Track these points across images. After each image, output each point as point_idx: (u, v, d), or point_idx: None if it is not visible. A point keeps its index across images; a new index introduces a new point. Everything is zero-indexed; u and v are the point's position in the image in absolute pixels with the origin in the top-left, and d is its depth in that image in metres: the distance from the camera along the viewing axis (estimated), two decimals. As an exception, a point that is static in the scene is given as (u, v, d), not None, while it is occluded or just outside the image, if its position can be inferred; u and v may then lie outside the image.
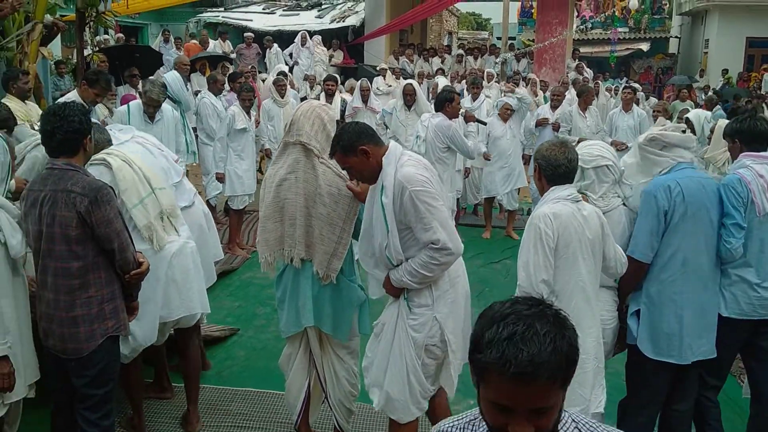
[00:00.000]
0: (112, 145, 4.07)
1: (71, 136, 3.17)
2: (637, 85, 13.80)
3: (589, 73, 17.74)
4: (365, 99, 10.35)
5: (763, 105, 13.03)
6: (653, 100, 12.59)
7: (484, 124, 8.78)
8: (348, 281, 3.73)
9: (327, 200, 3.58)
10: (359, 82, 10.73)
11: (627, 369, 3.86)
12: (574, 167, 3.40)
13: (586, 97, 9.54)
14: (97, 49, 10.26)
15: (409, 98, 9.01)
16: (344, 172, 3.61)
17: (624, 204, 3.81)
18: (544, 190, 3.44)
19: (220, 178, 7.99)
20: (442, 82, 11.43)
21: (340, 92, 10.94)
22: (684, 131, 3.91)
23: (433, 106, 7.76)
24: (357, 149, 3.35)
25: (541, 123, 9.58)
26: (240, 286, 7.03)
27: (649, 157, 3.76)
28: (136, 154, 4.01)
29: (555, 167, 3.35)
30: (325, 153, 3.58)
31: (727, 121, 6.83)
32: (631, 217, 3.76)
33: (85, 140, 3.25)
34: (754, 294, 3.65)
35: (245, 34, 17.26)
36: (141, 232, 3.83)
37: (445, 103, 7.32)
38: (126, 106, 6.55)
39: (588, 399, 3.31)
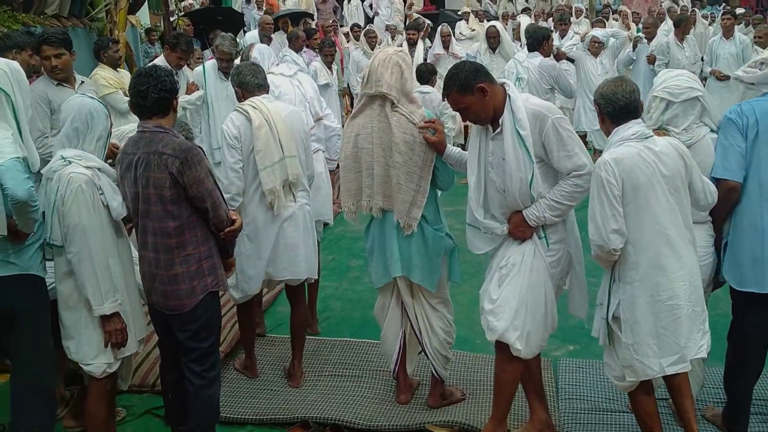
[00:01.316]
0: (263, 89, 4.19)
1: (164, 95, 3.23)
2: (741, 10, 12.94)
3: (684, 0, 16.74)
4: (446, 45, 10.14)
5: None
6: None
7: (572, 61, 8.49)
8: (433, 230, 3.71)
9: (402, 148, 3.55)
10: (439, 27, 10.51)
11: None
12: (636, 99, 3.17)
13: (684, 27, 9.08)
14: (182, 14, 10.46)
15: (493, 41, 8.77)
16: (417, 119, 3.58)
17: (713, 131, 3.58)
18: (609, 132, 3.25)
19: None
20: (525, 21, 11.06)
21: (422, 41, 10.76)
22: None
23: (525, 46, 7.52)
24: (474, 87, 3.26)
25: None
26: (333, 240, 7.11)
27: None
28: (278, 113, 4.08)
29: (614, 102, 3.15)
30: (402, 101, 3.58)
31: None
32: None
33: (174, 101, 3.33)
34: None
35: (320, -13, 17.09)
36: (265, 194, 4.00)
37: (543, 41, 7.09)
38: (201, 66, 6.62)
39: (683, 347, 3.13)
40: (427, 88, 7.43)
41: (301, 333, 4.41)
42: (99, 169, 3.32)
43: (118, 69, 6.53)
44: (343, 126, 4.54)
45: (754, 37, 8.74)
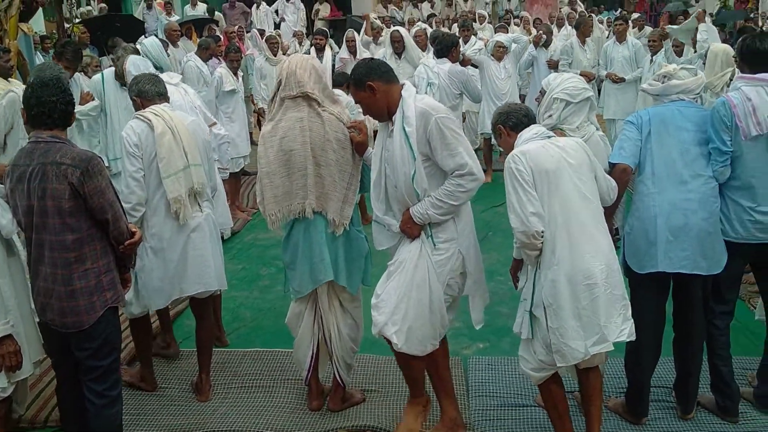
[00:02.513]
0: (164, 98, 4.11)
1: (70, 108, 3.16)
2: (636, 15, 13.61)
3: (582, 6, 17.38)
4: (352, 50, 10.16)
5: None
6: (647, 29, 12.31)
7: (476, 66, 8.69)
8: (356, 231, 3.78)
9: (335, 146, 3.61)
10: (345, 33, 10.54)
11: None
12: (531, 111, 3.49)
13: (584, 29, 9.50)
14: (78, 20, 10.10)
15: (398, 45, 8.87)
16: (345, 119, 3.68)
17: (597, 129, 3.93)
18: (511, 144, 3.43)
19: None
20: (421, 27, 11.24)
21: (330, 47, 10.76)
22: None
23: (433, 52, 7.68)
24: (365, 84, 3.37)
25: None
26: (242, 249, 7.01)
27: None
28: (180, 121, 3.99)
29: (514, 113, 3.45)
30: (326, 102, 3.64)
31: (720, 46, 6.71)
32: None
33: (74, 113, 3.25)
34: (748, 218, 3.62)
35: (227, -7, 16.78)
36: (170, 204, 3.89)
37: (452, 47, 7.27)
38: (100, 74, 6.49)
39: (602, 326, 3.21)
40: (338, 91, 7.46)
41: (209, 347, 4.31)
42: (-14, 186, 3.17)
43: (10, 79, 6.24)
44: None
45: (648, 41, 9.15)
